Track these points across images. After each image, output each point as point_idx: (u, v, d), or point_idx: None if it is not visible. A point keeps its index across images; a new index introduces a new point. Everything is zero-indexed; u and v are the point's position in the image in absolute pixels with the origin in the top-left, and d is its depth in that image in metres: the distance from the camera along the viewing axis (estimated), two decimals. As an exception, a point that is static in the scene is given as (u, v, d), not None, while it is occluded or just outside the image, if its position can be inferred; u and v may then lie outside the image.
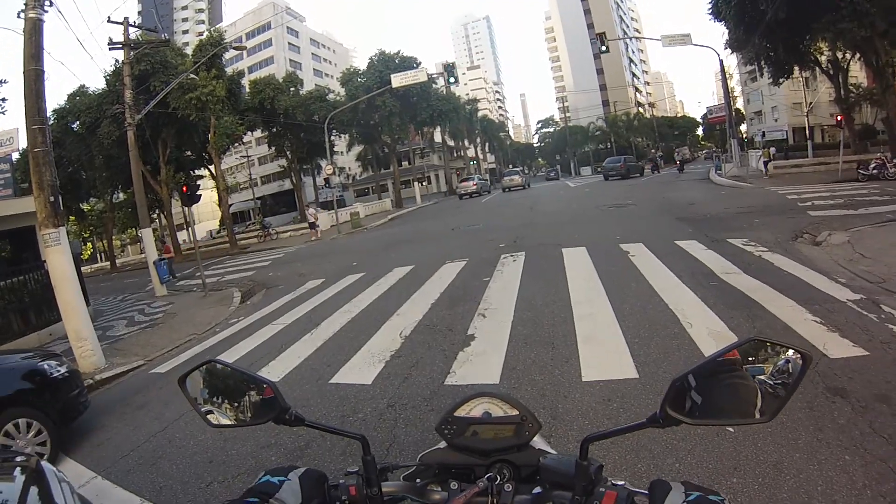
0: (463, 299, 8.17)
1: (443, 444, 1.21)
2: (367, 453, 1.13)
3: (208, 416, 1.21)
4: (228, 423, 1.21)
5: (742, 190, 20.99)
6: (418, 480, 1.16)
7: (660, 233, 11.50)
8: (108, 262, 49.55)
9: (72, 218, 50.33)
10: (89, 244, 70.18)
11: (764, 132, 48.06)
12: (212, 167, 45.38)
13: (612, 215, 16.43)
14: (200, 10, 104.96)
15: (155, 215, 49.30)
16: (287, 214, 57.12)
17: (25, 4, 9.62)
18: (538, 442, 1.26)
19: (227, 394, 1.22)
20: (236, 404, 1.21)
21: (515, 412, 1.13)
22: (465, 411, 1.16)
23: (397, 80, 33.59)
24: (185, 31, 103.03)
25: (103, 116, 33.33)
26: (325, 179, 33.51)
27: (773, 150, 34.00)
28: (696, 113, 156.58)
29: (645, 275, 7.81)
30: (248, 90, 42.35)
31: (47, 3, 9.74)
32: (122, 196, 46.45)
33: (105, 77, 33.87)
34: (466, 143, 78.44)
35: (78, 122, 35.88)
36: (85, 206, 51.40)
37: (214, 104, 31.75)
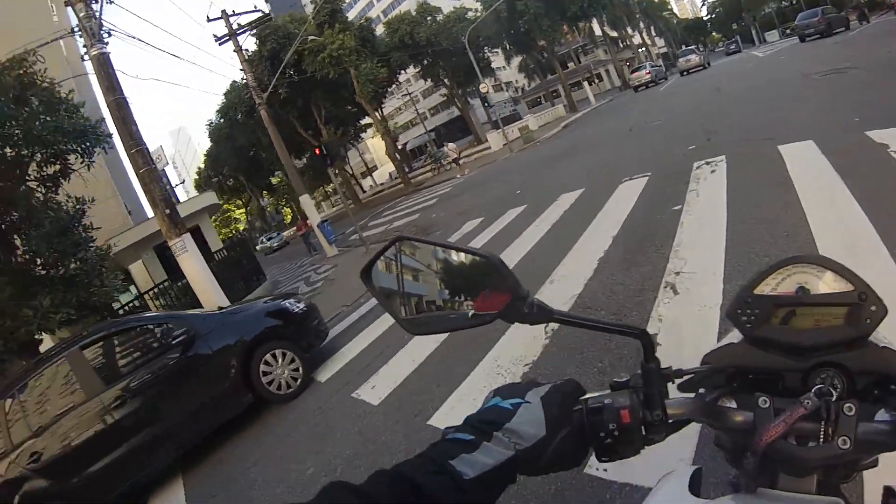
0: (643, 250, 5.64)
1: (736, 338, 0.82)
2: (649, 359, 0.78)
3: (405, 318, 0.83)
4: (433, 326, 0.81)
5: None
6: (701, 391, 0.82)
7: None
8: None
9: (265, 193, 55.30)
10: (287, 209, 77.78)
11: None
12: (376, 113, 46.57)
13: (834, 87, 11.50)
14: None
15: (337, 172, 52.17)
16: (464, 140, 57.15)
17: (85, 46, 10.06)
18: (880, 337, 0.75)
19: (425, 283, 0.82)
20: (445, 297, 0.80)
21: (849, 287, 0.73)
22: (771, 287, 0.78)
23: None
24: (313, 1, 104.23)
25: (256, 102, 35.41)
26: (482, 99, 31.90)
27: None
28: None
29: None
30: (385, 33, 42.96)
31: (105, 35, 10.01)
32: (302, 161, 49.79)
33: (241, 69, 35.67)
34: (630, 30, 71.31)
35: (240, 114, 39.07)
36: (274, 180, 55.71)
37: (348, 56, 32.62)
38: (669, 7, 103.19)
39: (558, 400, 0.78)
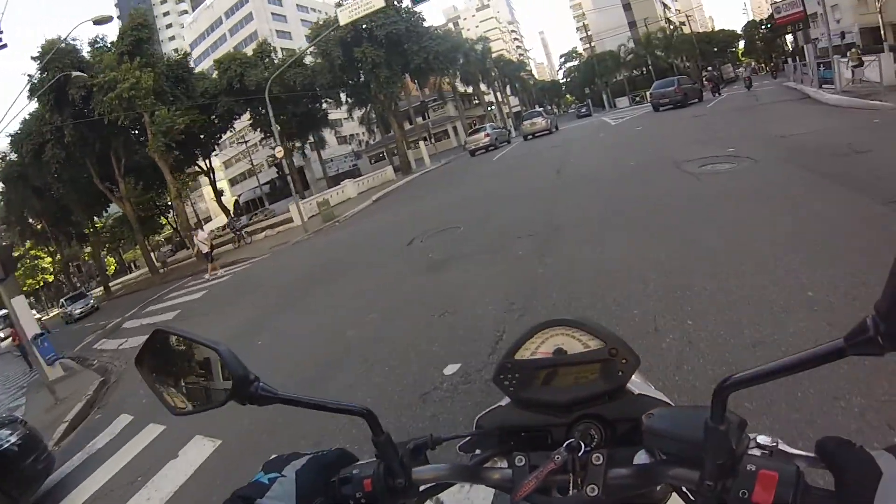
0: None
1: (505, 401, 0.89)
2: (377, 434, 0.82)
3: (169, 400, 0.88)
4: (188, 406, 0.87)
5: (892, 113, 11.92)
6: (478, 452, 0.87)
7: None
8: (103, 288, 45.79)
9: (75, 241, 47.92)
10: (111, 259, 70.26)
11: (843, 33, 38.67)
12: (204, 162, 41.36)
13: (730, 195, 7.66)
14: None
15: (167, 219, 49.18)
16: (284, 201, 52.40)
17: None
18: (638, 384, 0.85)
19: (181, 370, 0.89)
20: (192, 382, 0.88)
21: (600, 343, 0.79)
22: (531, 351, 0.83)
23: (345, 14, 26.34)
24: (169, 26, 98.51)
25: (44, 140, 30.09)
26: (276, 167, 27.78)
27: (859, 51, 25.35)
28: (732, 25, 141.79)
29: None
30: (215, 72, 38.09)
31: None
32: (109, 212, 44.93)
33: (35, 97, 29.54)
34: (485, 87, 70.74)
35: (28, 152, 31.93)
36: (98, 223, 47.72)
37: (143, 98, 26.96)
38: (528, 69, 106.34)
39: (314, 472, 0.82)
